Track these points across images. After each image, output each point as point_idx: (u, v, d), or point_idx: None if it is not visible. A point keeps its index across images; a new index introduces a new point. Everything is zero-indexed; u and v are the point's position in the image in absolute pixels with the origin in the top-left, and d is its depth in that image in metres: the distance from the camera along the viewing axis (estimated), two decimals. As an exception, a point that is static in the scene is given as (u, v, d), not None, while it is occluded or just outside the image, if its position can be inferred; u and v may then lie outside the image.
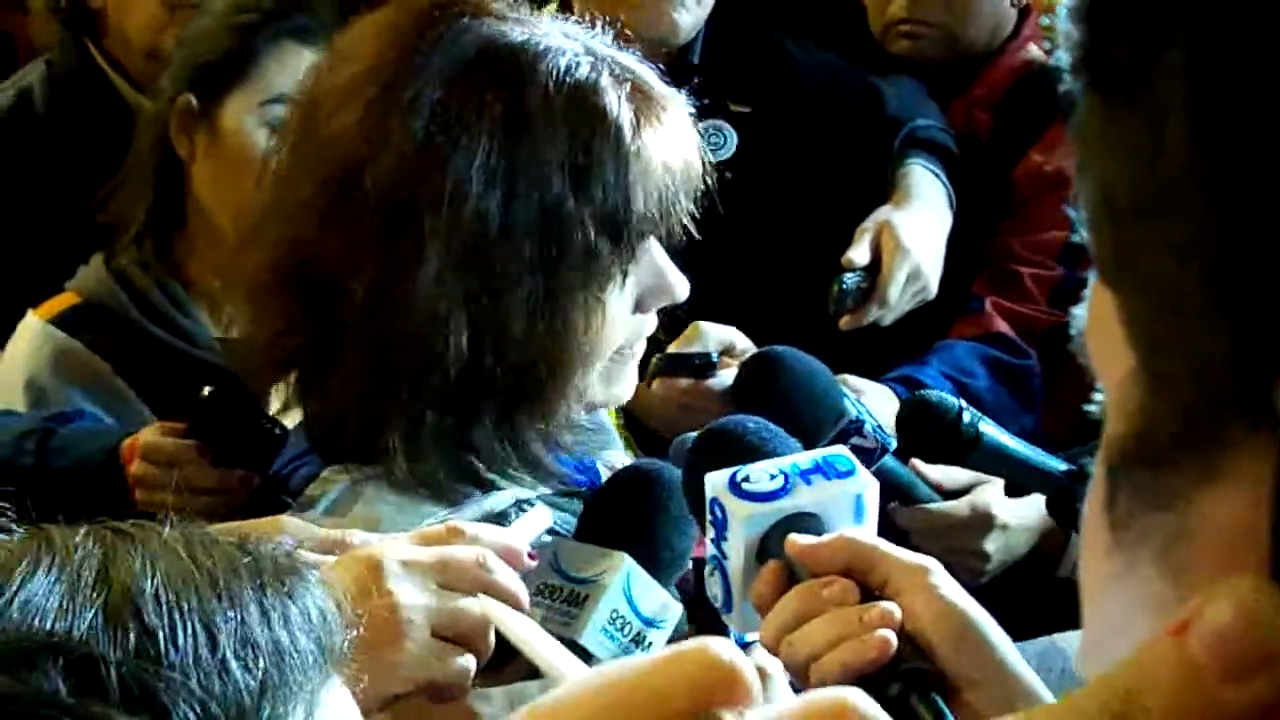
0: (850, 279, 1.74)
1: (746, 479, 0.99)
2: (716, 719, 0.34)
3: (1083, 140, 0.37)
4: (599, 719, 0.34)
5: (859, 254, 1.74)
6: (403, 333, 1.14)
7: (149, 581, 0.55)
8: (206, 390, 1.53)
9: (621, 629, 1.11)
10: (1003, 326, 1.83)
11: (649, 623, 1.12)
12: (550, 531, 1.21)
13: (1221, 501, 0.33)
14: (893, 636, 0.88)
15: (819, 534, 0.96)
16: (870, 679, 0.88)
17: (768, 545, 0.98)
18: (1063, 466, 1.44)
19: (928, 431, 1.41)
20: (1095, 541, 0.37)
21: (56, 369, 1.73)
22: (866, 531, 0.99)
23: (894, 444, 1.44)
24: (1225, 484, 0.33)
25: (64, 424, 1.59)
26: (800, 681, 0.93)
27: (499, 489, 1.20)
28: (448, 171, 1.12)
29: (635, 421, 1.64)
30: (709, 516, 1.00)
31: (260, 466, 1.38)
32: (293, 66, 1.70)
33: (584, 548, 1.15)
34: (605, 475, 1.32)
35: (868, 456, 1.40)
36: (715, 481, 1.00)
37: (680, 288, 1.24)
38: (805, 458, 1.01)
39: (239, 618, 0.55)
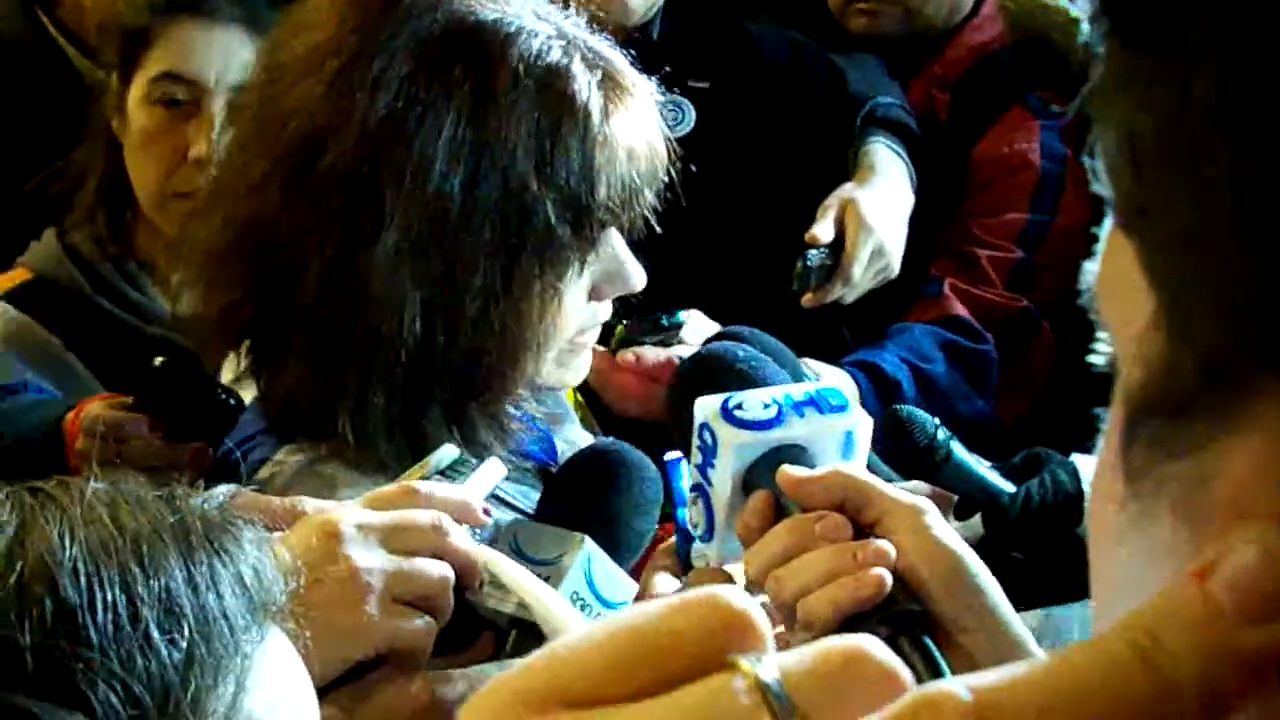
0: (814, 256, 1.73)
1: (739, 406, 0.96)
2: (730, 664, 0.33)
3: (1103, 90, 0.36)
4: (607, 667, 0.33)
5: (823, 231, 1.73)
6: (356, 311, 1.12)
7: (66, 552, 0.53)
8: (158, 360, 1.50)
9: (582, 610, 1.10)
10: (960, 310, 1.83)
11: (608, 604, 1.11)
12: (510, 507, 1.20)
13: (1242, 448, 0.33)
14: (887, 576, 0.87)
15: (809, 467, 0.94)
16: (858, 620, 0.86)
17: (754, 475, 0.96)
18: (1010, 489, 1.46)
19: (902, 446, 1.43)
20: (1108, 494, 0.37)
21: (8, 344, 1.71)
22: (860, 467, 0.97)
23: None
24: (1246, 430, 0.33)
25: (9, 397, 1.57)
26: (784, 618, 0.91)
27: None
28: (412, 147, 1.11)
29: (593, 397, 1.63)
30: (696, 441, 0.98)
31: (214, 439, 1.36)
32: (186, 43, 1.70)
33: (544, 529, 1.14)
34: (563, 450, 1.31)
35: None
36: (707, 406, 0.97)
37: (637, 278, 1.23)
38: (799, 389, 0.99)
39: (163, 586, 0.54)
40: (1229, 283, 0.33)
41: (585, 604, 1.10)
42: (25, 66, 1.98)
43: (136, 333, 1.75)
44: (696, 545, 1.01)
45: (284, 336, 1.17)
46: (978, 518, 1.53)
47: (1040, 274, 1.87)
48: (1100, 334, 0.39)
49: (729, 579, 0.97)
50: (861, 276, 1.75)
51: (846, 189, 1.80)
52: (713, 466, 0.97)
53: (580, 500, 1.17)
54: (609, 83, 1.17)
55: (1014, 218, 1.88)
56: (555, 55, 1.15)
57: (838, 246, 1.75)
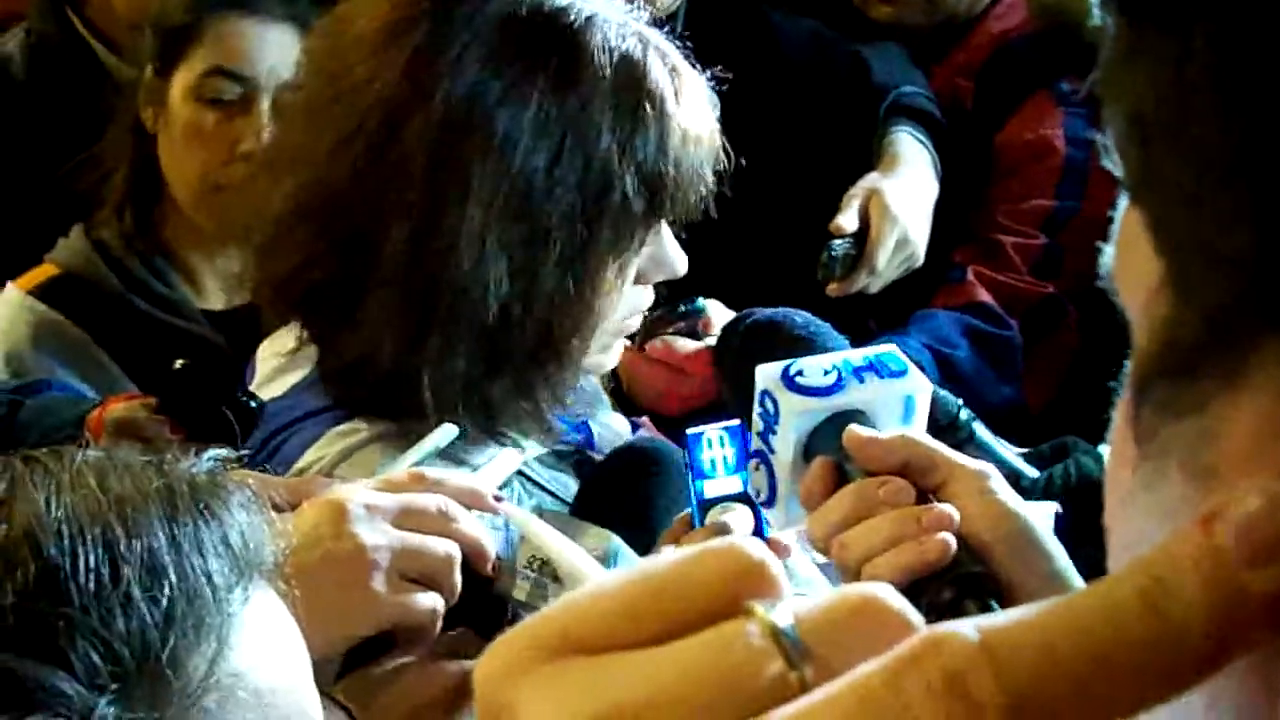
0: (839, 246, 1.73)
1: (800, 373, 0.97)
2: (745, 610, 0.33)
3: (1110, 67, 0.37)
4: (622, 614, 0.34)
5: (848, 220, 1.73)
6: (442, 278, 1.14)
7: (51, 515, 0.54)
8: (179, 363, 1.51)
9: None
10: (985, 296, 1.82)
11: None
12: (544, 490, 1.21)
13: (1246, 404, 0.33)
14: (952, 539, 0.87)
15: None
16: (924, 583, 0.87)
17: (815, 441, 0.97)
18: (1034, 474, 1.46)
19: (927, 425, 1.43)
20: (1122, 458, 0.38)
21: (37, 341, 1.72)
22: (923, 433, 0.98)
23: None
24: (1249, 387, 0.33)
25: (32, 395, 1.58)
26: (849, 581, 0.92)
27: (518, 445, 1.21)
28: (496, 124, 1.13)
29: (616, 390, 1.63)
30: (758, 409, 0.99)
31: (234, 443, 1.36)
32: (236, 39, 1.70)
33: (575, 523, 1.15)
34: (599, 435, 1.33)
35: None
36: (768, 373, 0.99)
37: (680, 263, 1.25)
38: (858, 354, 1.00)
39: (145, 546, 0.54)
40: (1227, 242, 0.33)
41: None
42: (54, 65, 2.00)
43: (166, 328, 1.76)
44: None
45: (354, 302, 1.18)
46: None
47: (1067, 260, 1.86)
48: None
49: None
50: (886, 266, 1.75)
51: (871, 178, 1.80)
52: (774, 433, 0.98)
53: (617, 497, 1.18)
54: (676, 74, 1.21)
55: (1039, 204, 1.87)
56: (631, 44, 1.18)
57: (862, 236, 1.75)
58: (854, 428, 0.94)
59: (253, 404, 1.34)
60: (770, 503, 1.00)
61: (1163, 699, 0.30)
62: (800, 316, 1.09)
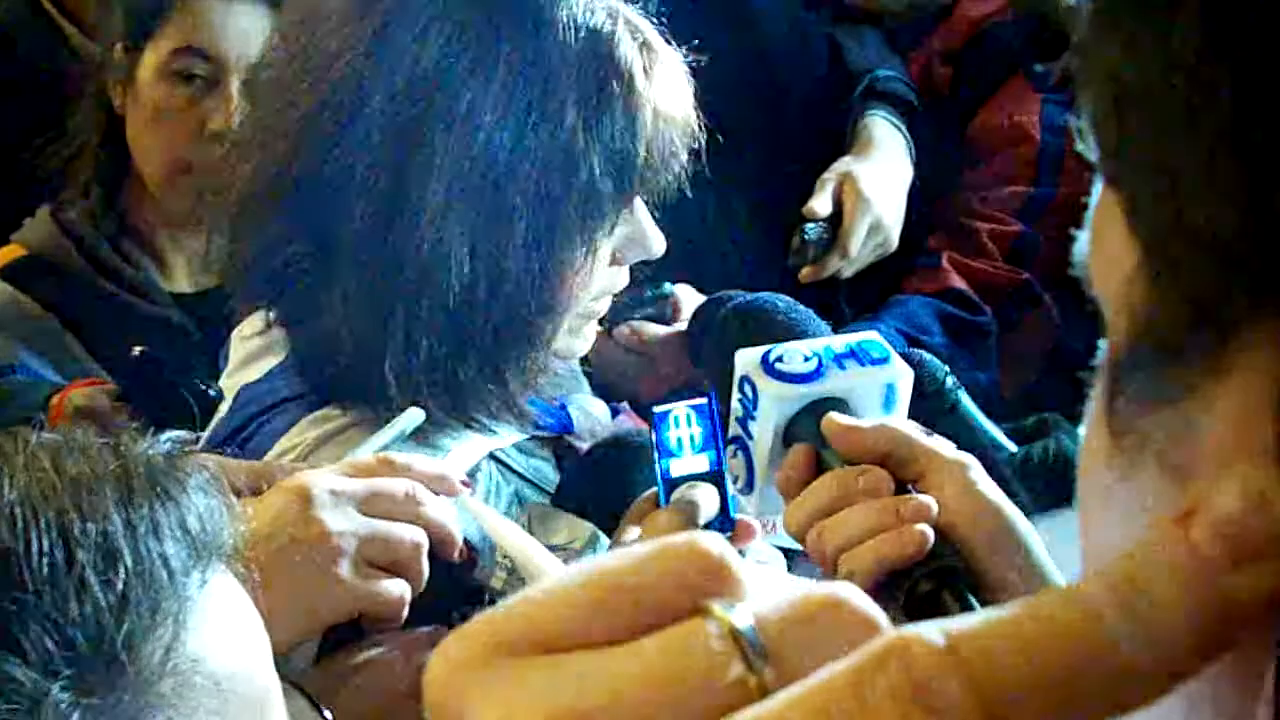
0: (812, 230, 1.72)
1: (780, 359, 0.96)
2: (704, 609, 0.32)
3: (1089, 42, 0.36)
4: (582, 611, 0.33)
5: (821, 204, 1.72)
6: (405, 256, 1.12)
7: (4, 497, 0.52)
8: (137, 350, 1.50)
9: None
10: (959, 282, 1.82)
11: None
12: (520, 477, 1.20)
13: (1228, 393, 0.32)
14: (930, 531, 0.86)
15: None
16: (901, 574, 0.86)
17: (794, 428, 0.96)
18: (1014, 448, 1.46)
19: (913, 392, 1.42)
20: (1096, 450, 0.36)
21: (2, 323, 1.70)
22: (905, 421, 0.97)
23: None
24: (1232, 375, 0.32)
25: (-4, 380, 1.57)
26: (826, 571, 0.91)
27: (491, 431, 1.19)
28: (461, 96, 1.11)
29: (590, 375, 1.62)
30: (737, 395, 0.98)
31: (194, 430, 1.35)
32: (206, 17, 1.68)
33: (557, 514, 1.14)
34: (577, 419, 1.31)
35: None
36: (747, 359, 0.97)
37: (657, 243, 1.23)
38: (839, 341, 0.99)
39: (100, 530, 0.53)
40: (1211, 222, 0.32)
41: None
42: (20, 42, 1.97)
43: (133, 310, 1.74)
44: (738, 498, 1.01)
45: (321, 284, 1.16)
46: None
47: (1043, 247, 1.85)
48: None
49: (689, 524, 0.96)
50: (859, 251, 1.74)
51: (845, 162, 1.79)
52: (753, 419, 0.97)
53: (601, 489, 1.17)
54: (648, 50, 1.18)
55: (1015, 190, 1.86)
56: (600, 19, 1.16)
57: (836, 220, 1.74)
58: (833, 415, 0.93)
59: (211, 392, 1.33)
60: (748, 490, 0.99)
61: (1141, 704, 0.29)
62: (782, 301, 1.08)
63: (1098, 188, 0.38)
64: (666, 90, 1.19)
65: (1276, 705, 0.30)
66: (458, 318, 1.14)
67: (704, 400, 1.00)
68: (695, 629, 0.32)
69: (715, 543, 0.34)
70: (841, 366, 0.97)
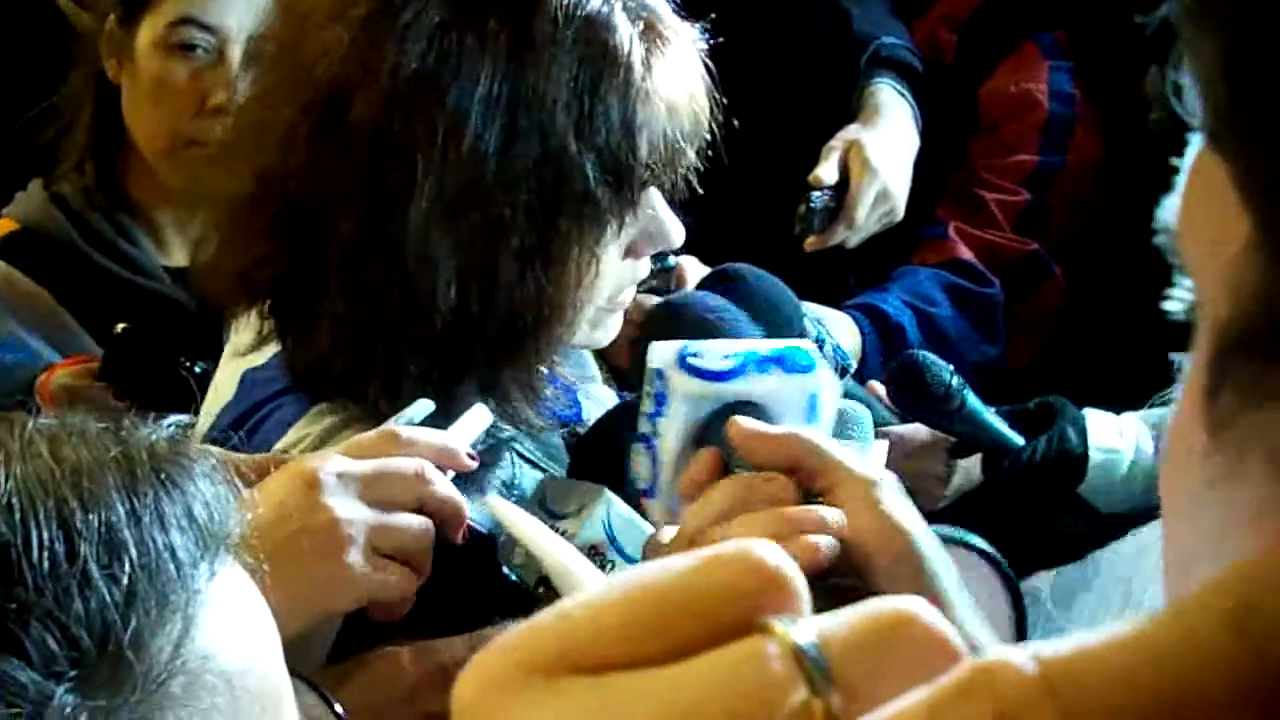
0: (818, 198, 1.70)
1: (697, 355, 0.92)
2: (762, 627, 0.30)
3: (1205, 1, 0.33)
4: (624, 629, 0.30)
5: (827, 172, 1.70)
6: (389, 275, 1.08)
7: (1, 487, 0.50)
8: (120, 327, 1.47)
9: (600, 565, 1.07)
10: (966, 253, 1.80)
11: (629, 559, 1.07)
12: (535, 465, 1.18)
13: None
14: (824, 545, 0.83)
15: None
16: None
17: (707, 433, 0.92)
18: (1020, 442, 1.45)
19: (917, 392, 1.42)
20: (1188, 445, 0.33)
21: (-4, 298, 1.68)
22: (819, 433, 0.93)
23: (854, 365, 1.43)
24: None
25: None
26: None
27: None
28: (445, 104, 1.06)
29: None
30: (648, 388, 0.94)
31: (180, 410, 1.32)
32: None
33: (571, 483, 1.13)
34: (588, 408, 1.29)
35: (826, 377, 1.38)
36: (662, 352, 0.93)
37: (676, 234, 1.18)
38: (765, 345, 0.95)
39: (103, 520, 0.51)
40: None
41: (604, 558, 1.07)
42: (12, 12, 1.94)
43: (128, 285, 1.72)
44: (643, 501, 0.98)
45: (313, 298, 1.12)
46: (976, 464, 1.51)
47: (1052, 217, 1.83)
48: (1177, 278, 0.36)
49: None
50: (866, 219, 1.72)
51: (851, 130, 1.77)
52: (663, 416, 0.93)
53: (606, 455, 1.14)
54: (651, 33, 1.12)
55: (1023, 159, 1.84)
56: (595, 4, 1.10)
57: (842, 189, 1.72)
58: (740, 419, 0.88)
59: (197, 369, 1.30)
60: (651, 492, 0.95)
61: None
62: (716, 300, 1.05)
63: (1192, 150, 0.35)
64: (672, 77, 1.13)
65: None
66: (450, 338, 1.10)
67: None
68: (753, 648, 0.29)
69: (771, 552, 0.31)
70: (763, 370, 0.92)
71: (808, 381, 0.93)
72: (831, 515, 0.85)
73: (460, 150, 1.06)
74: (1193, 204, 0.35)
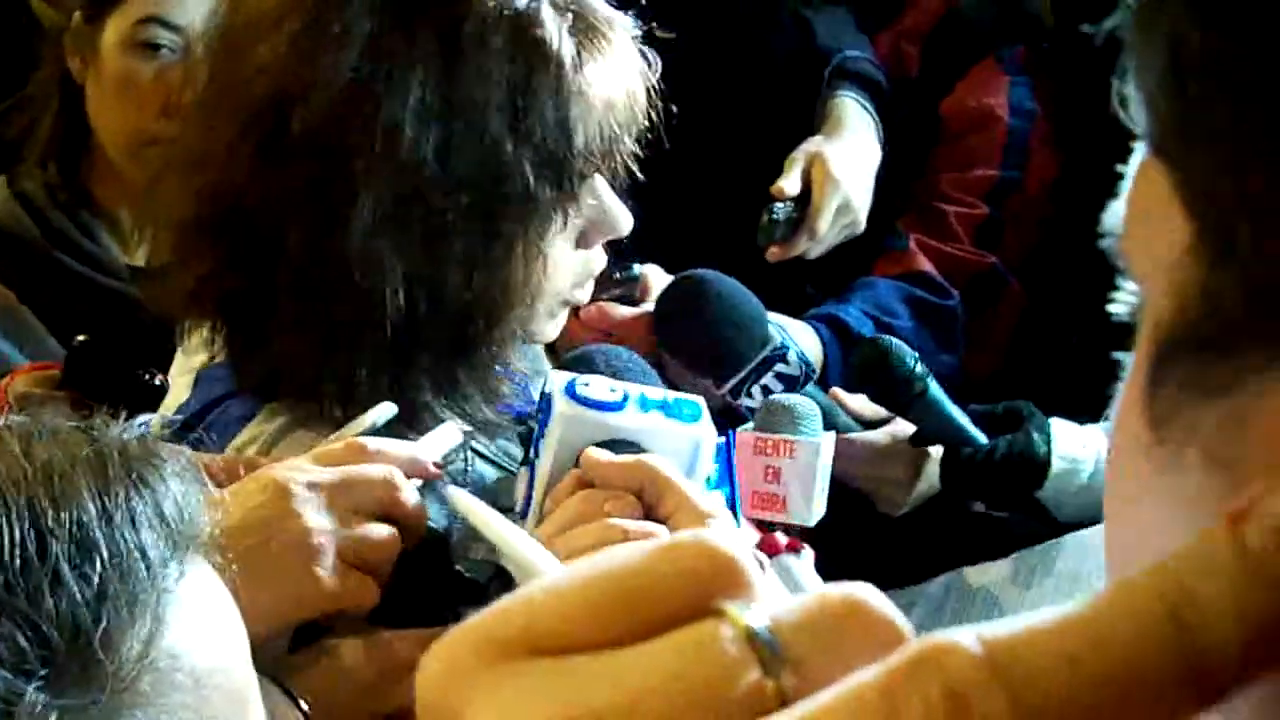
0: (781, 209, 1.71)
1: (586, 385, 0.96)
2: (717, 611, 0.31)
3: (1148, 13, 0.33)
4: (584, 612, 0.31)
5: (790, 184, 1.71)
6: (338, 286, 1.08)
7: None
8: (80, 339, 1.47)
9: None
10: (926, 265, 1.81)
11: None
12: (491, 463, 1.18)
13: None
14: None
15: None
16: None
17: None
18: (982, 438, 1.47)
19: (881, 377, 1.43)
20: (1131, 440, 0.35)
21: (-43, 297, 1.67)
22: (687, 478, 0.95)
23: (817, 372, 1.44)
24: None
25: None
26: None
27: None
28: (380, 111, 1.06)
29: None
30: (539, 413, 0.97)
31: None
32: None
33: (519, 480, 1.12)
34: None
35: (791, 383, 1.40)
36: (556, 380, 0.96)
37: (624, 221, 1.20)
38: (658, 392, 0.98)
39: (74, 519, 0.51)
40: (1276, 201, 0.30)
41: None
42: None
43: (91, 284, 1.71)
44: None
45: (263, 311, 1.13)
46: (935, 471, 1.53)
47: (1008, 232, 1.85)
48: (1122, 281, 0.37)
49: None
50: (827, 231, 1.73)
51: (814, 142, 1.78)
52: (543, 438, 0.96)
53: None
54: (581, 25, 1.13)
55: (983, 174, 1.86)
56: (522, 1, 1.10)
57: (804, 200, 1.73)
58: (592, 450, 0.93)
59: (156, 381, 1.31)
60: (524, 513, 0.98)
61: (1189, 715, 0.27)
62: (626, 353, 1.09)
63: (1136, 158, 0.36)
64: (605, 74, 1.13)
65: None
66: (401, 341, 1.10)
67: (721, 439, 0.99)
68: (708, 631, 0.30)
69: (727, 541, 0.32)
70: (644, 409, 0.95)
71: (688, 429, 0.96)
72: (661, 531, 0.88)
73: (397, 158, 1.07)
74: (1137, 210, 0.36)
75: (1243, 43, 0.31)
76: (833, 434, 1.24)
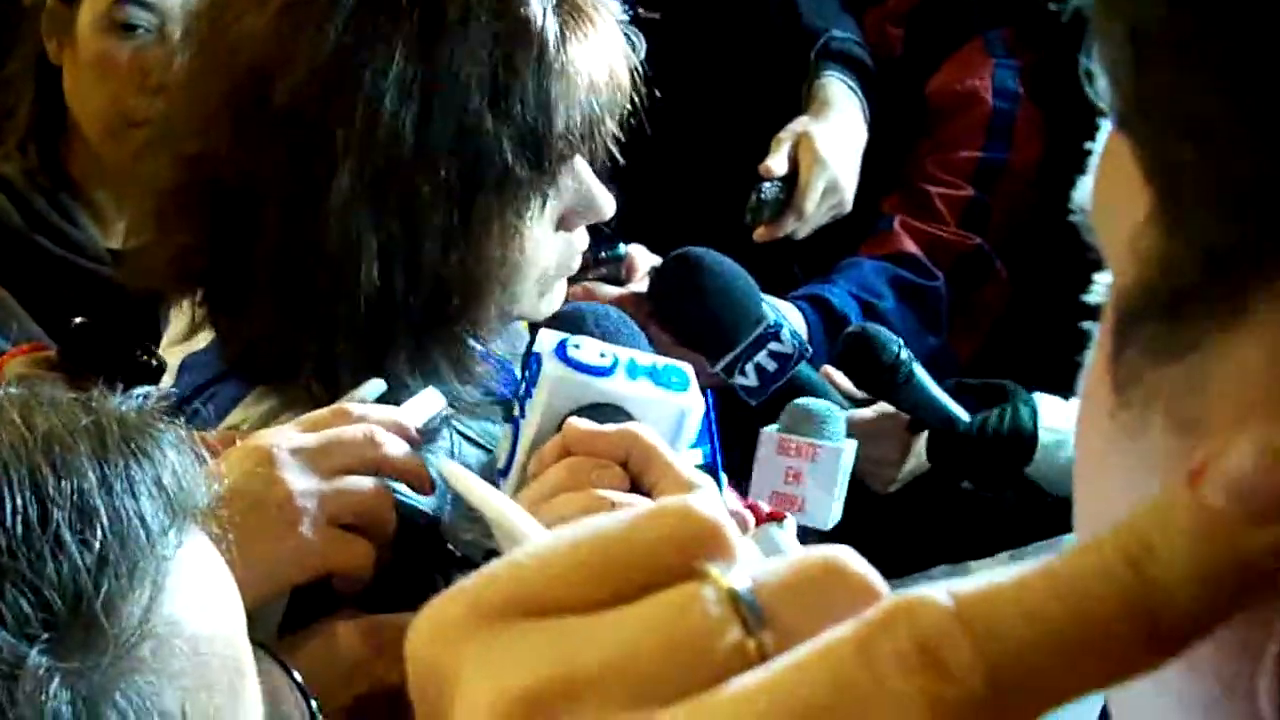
0: (768, 189, 1.71)
1: (577, 347, 0.95)
2: (699, 573, 0.32)
3: None
4: (570, 575, 0.32)
5: (777, 164, 1.72)
6: (315, 258, 1.08)
7: None
8: (76, 320, 1.46)
9: None
10: (911, 247, 1.82)
11: None
12: (474, 444, 1.18)
13: (1242, 346, 0.31)
14: None
15: None
16: None
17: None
18: (967, 418, 1.48)
19: (866, 363, 1.44)
20: (1097, 405, 0.36)
21: (-63, 283, 1.66)
22: (676, 446, 0.95)
23: (810, 350, 1.44)
24: (1247, 328, 0.31)
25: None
26: None
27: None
28: (361, 85, 1.06)
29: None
30: (527, 372, 0.97)
31: None
32: None
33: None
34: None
35: (784, 361, 1.40)
36: (546, 339, 0.96)
37: (606, 205, 1.19)
38: (647, 358, 0.97)
39: (75, 487, 0.51)
40: (1229, 172, 0.31)
41: None
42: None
43: (71, 267, 1.70)
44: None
45: (243, 284, 1.12)
46: (923, 451, 1.53)
47: (993, 213, 1.86)
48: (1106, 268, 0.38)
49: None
50: (814, 211, 1.74)
51: (800, 122, 1.78)
52: (530, 398, 0.96)
53: None
54: (566, 6, 1.12)
55: (968, 155, 1.86)
56: None
57: (791, 180, 1.73)
58: (575, 420, 0.92)
59: (154, 363, 1.30)
60: (506, 471, 0.98)
61: (1149, 667, 0.28)
62: (616, 313, 1.08)
63: (1104, 133, 0.37)
64: (591, 53, 1.13)
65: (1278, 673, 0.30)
66: (377, 314, 1.10)
67: (703, 394, 0.99)
68: (691, 592, 0.31)
69: (709, 505, 0.33)
70: (633, 376, 0.95)
71: (675, 397, 0.96)
72: (644, 502, 0.87)
73: (377, 131, 1.07)
74: (1103, 183, 0.37)
75: (1197, 15, 0.32)
76: (854, 441, 1.25)
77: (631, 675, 0.30)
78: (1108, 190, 0.36)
